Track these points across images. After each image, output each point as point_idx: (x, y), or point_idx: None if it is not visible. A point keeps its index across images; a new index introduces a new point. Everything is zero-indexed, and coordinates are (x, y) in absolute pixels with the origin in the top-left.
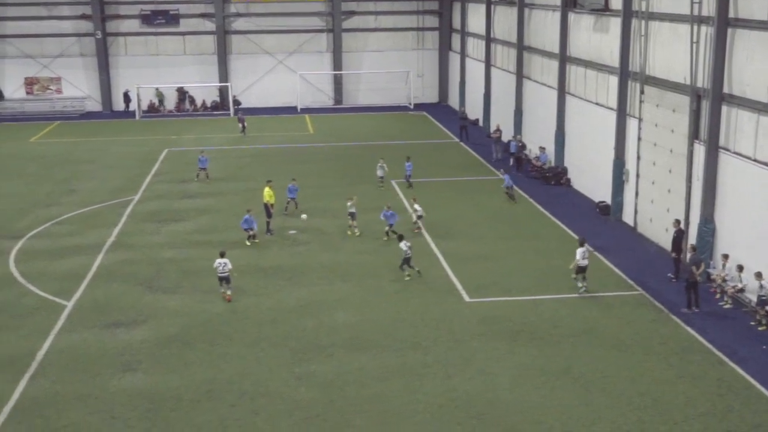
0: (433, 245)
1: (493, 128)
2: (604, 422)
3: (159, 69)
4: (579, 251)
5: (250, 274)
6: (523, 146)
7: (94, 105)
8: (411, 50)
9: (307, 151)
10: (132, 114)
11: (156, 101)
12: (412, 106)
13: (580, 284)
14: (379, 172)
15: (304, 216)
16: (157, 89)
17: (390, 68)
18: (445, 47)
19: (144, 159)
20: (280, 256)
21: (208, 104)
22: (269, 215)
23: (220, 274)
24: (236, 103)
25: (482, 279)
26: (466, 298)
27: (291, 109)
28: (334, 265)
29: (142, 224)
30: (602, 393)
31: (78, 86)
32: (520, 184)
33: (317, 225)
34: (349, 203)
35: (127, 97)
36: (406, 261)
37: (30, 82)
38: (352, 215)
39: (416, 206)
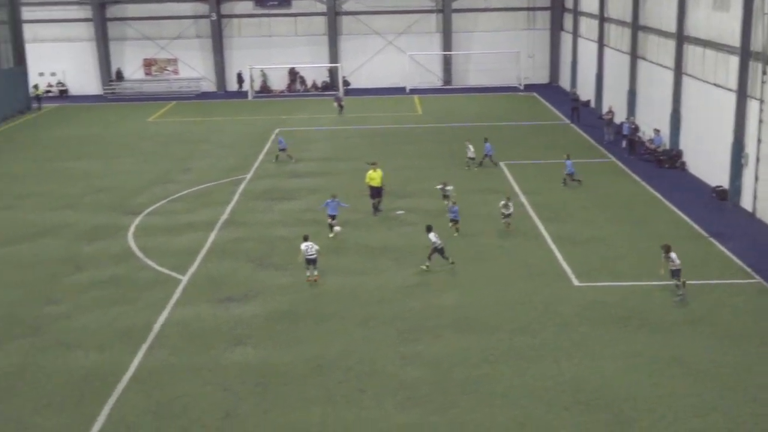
0: (541, 227)
1: (605, 110)
2: (717, 413)
3: (271, 50)
4: (673, 255)
5: (357, 254)
6: (636, 128)
7: (209, 85)
8: (522, 30)
9: (415, 131)
10: (245, 94)
11: (263, 81)
12: (522, 87)
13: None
14: (469, 153)
15: (400, 212)
16: (261, 70)
17: (500, 48)
18: (556, 27)
19: (256, 138)
20: (388, 236)
21: (318, 84)
22: (373, 196)
23: (307, 257)
24: (345, 83)
25: (592, 263)
26: (575, 282)
27: (400, 90)
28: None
29: (253, 202)
30: (715, 383)
31: (194, 67)
32: (633, 166)
33: (424, 206)
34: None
35: (240, 78)
36: (439, 251)
37: (148, 64)
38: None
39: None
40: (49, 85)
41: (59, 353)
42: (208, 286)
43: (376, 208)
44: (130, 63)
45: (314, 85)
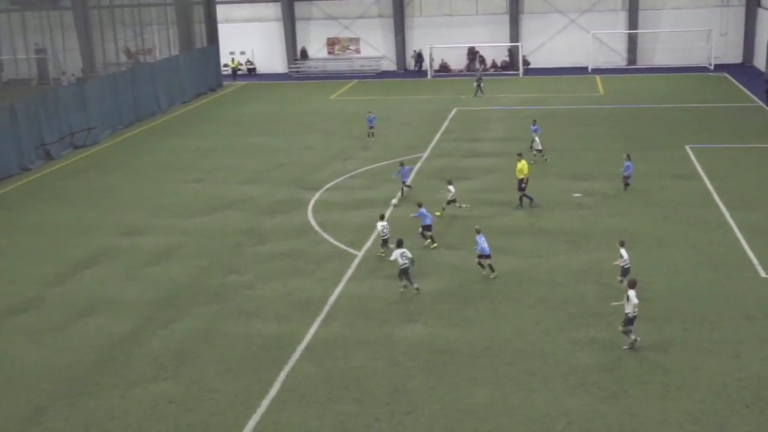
0: (727, 215)
1: None
2: None
3: (451, 29)
4: (631, 293)
5: (532, 236)
6: None
7: (389, 64)
8: (713, 7)
9: (596, 112)
10: (424, 73)
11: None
12: (712, 67)
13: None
14: (534, 145)
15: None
16: (430, 48)
17: (689, 26)
18: (752, 3)
19: (434, 117)
20: (563, 218)
21: (498, 64)
22: (521, 188)
23: (383, 237)
24: (525, 63)
25: None
26: (763, 274)
27: (581, 70)
28: (619, 231)
29: (429, 181)
30: None
31: (375, 46)
32: None
33: (603, 189)
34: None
35: (419, 57)
36: (402, 272)
37: (331, 43)
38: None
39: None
40: (239, 64)
41: (240, 321)
42: (382, 262)
43: (524, 198)
44: (314, 42)
45: (493, 65)
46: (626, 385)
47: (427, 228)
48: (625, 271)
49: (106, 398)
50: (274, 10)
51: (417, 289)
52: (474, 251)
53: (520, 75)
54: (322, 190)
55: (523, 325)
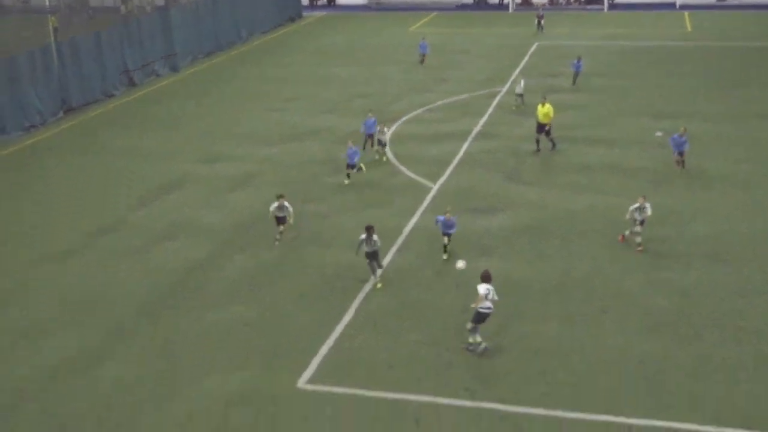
0: None
1: None
2: None
3: None
4: (482, 287)
5: (611, 173)
6: None
7: None
8: None
9: (681, 50)
10: (506, 7)
11: None
12: None
13: (471, 339)
14: (517, 90)
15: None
16: None
17: None
18: None
19: (514, 51)
20: (643, 157)
21: None
22: (540, 132)
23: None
24: None
25: None
26: None
27: (669, 6)
28: (700, 171)
29: (507, 116)
30: None
31: None
32: None
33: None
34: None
35: None
36: (369, 257)
37: None
38: None
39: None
40: None
41: (315, 249)
42: (457, 195)
43: (545, 141)
44: None
45: (577, 0)
46: (701, 328)
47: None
48: (641, 222)
49: (184, 319)
50: None
51: (378, 284)
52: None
53: (605, 10)
54: (399, 122)
55: (598, 263)
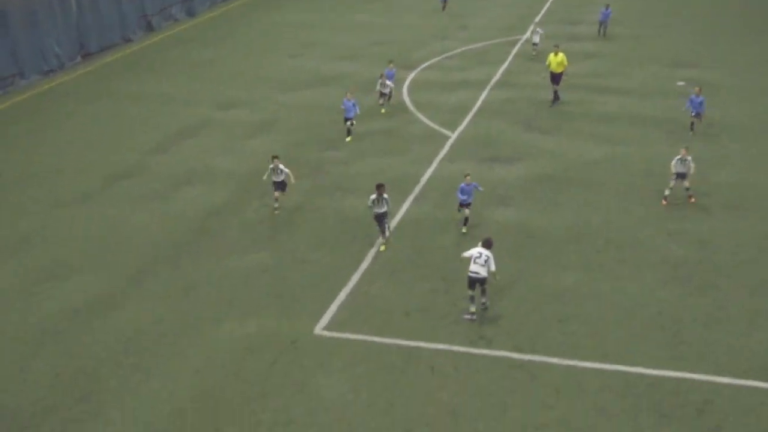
0: None
1: None
2: None
3: None
4: (472, 250)
5: (629, 122)
6: None
7: None
8: None
9: None
10: None
11: None
12: None
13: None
14: (535, 38)
15: (681, 83)
16: None
17: None
18: None
19: None
20: (664, 107)
21: None
22: (554, 81)
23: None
24: None
25: None
26: None
27: None
28: (723, 122)
29: (526, 64)
30: None
31: None
32: None
33: (709, 78)
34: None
35: None
36: (377, 219)
37: None
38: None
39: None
40: None
41: (335, 196)
42: (475, 144)
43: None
44: None
45: None
46: (717, 278)
47: (348, 119)
48: (682, 176)
49: (204, 264)
50: None
51: (384, 245)
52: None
53: None
54: (418, 69)
55: (616, 213)
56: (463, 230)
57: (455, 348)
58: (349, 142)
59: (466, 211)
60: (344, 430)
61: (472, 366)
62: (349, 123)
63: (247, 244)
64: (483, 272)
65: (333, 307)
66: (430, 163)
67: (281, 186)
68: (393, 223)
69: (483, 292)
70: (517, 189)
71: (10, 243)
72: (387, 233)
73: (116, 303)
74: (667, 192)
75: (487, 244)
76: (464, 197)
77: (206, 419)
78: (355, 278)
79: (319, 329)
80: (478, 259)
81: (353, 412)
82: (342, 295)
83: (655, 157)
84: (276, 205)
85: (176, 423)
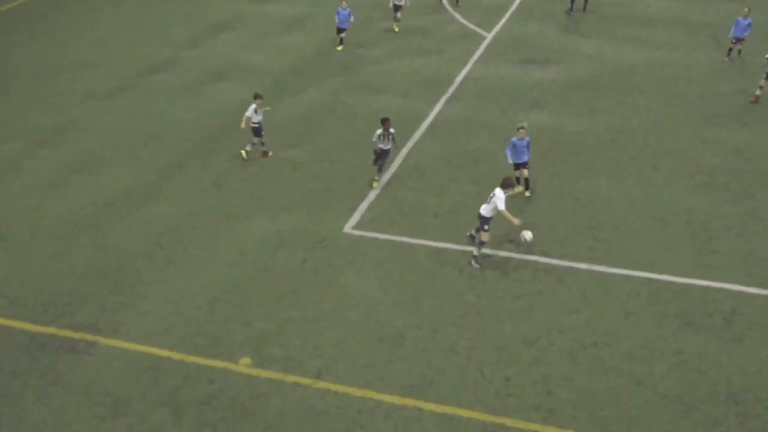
0: None
1: None
2: None
3: None
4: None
5: (671, 27)
6: None
7: None
8: None
9: None
10: None
11: None
12: None
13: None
14: None
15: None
16: None
17: None
18: None
19: None
20: (708, 11)
21: None
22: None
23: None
24: None
25: None
26: None
27: None
28: (763, 30)
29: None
30: None
31: None
32: None
33: None
34: None
35: None
36: (378, 156)
37: None
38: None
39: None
40: None
41: (366, 95)
42: (512, 45)
43: (577, 8)
44: None
45: None
46: (751, 187)
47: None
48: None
49: (235, 159)
50: None
51: (376, 180)
52: None
53: None
54: None
55: (651, 119)
56: (527, 194)
57: (483, 250)
58: (340, 50)
59: (525, 172)
60: (372, 327)
61: (499, 268)
62: (342, 34)
63: (279, 141)
64: (484, 211)
65: (362, 207)
66: (464, 63)
67: (259, 132)
68: (424, 123)
69: (477, 229)
70: (552, 93)
71: (44, 135)
72: (382, 175)
73: (149, 196)
74: (758, 92)
75: (503, 184)
76: (518, 156)
77: (237, 312)
78: (385, 179)
79: (348, 228)
80: (490, 197)
81: (381, 310)
82: (371, 195)
83: (696, 63)
84: (248, 148)
85: (208, 315)
